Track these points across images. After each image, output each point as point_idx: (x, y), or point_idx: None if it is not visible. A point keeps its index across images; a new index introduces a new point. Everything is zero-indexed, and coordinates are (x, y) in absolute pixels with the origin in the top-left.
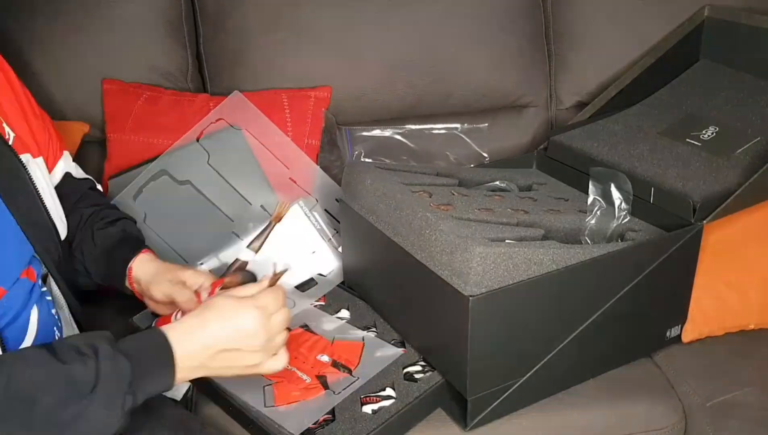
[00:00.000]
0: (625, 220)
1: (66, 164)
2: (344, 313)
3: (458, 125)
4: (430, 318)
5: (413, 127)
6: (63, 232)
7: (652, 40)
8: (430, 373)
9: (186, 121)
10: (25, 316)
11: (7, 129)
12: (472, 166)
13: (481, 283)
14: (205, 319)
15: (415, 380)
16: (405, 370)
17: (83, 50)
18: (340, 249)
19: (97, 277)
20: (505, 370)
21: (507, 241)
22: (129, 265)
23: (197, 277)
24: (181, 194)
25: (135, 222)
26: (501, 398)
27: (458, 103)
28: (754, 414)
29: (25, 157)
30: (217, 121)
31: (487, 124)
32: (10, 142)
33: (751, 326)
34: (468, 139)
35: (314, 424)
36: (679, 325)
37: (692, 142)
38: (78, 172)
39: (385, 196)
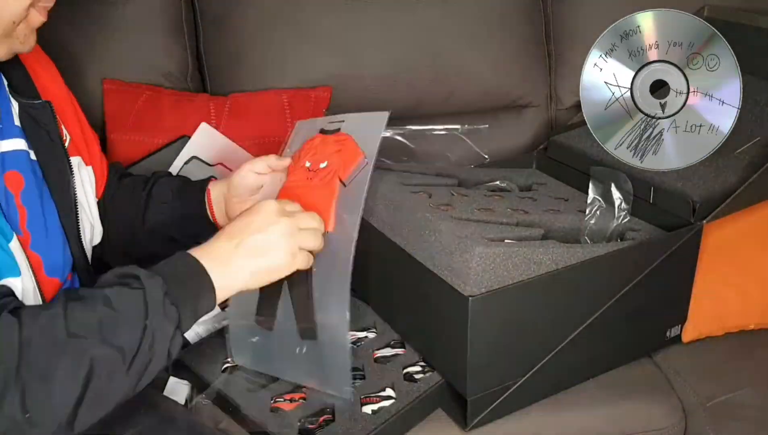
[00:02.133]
0: (625, 220)
1: None
2: None
3: (458, 126)
4: (429, 318)
5: (413, 127)
6: (92, 239)
7: None
8: (430, 373)
9: (186, 121)
10: None
11: (65, 131)
12: (472, 166)
13: (480, 283)
14: (227, 225)
15: (415, 380)
16: (405, 370)
17: (83, 50)
18: None
19: (174, 227)
20: (505, 370)
21: (506, 241)
22: (207, 190)
23: (276, 160)
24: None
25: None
26: (501, 398)
27: (458, 103)
28: (754, 414)
29: (75, 160)
30: (189, 159)
31: (487, 126)
32: (66, 144)
33: (751, 326)
34: (468, 140)
35: (314, 424)
36: (679, 325)
37: None
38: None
39: (384, 197)
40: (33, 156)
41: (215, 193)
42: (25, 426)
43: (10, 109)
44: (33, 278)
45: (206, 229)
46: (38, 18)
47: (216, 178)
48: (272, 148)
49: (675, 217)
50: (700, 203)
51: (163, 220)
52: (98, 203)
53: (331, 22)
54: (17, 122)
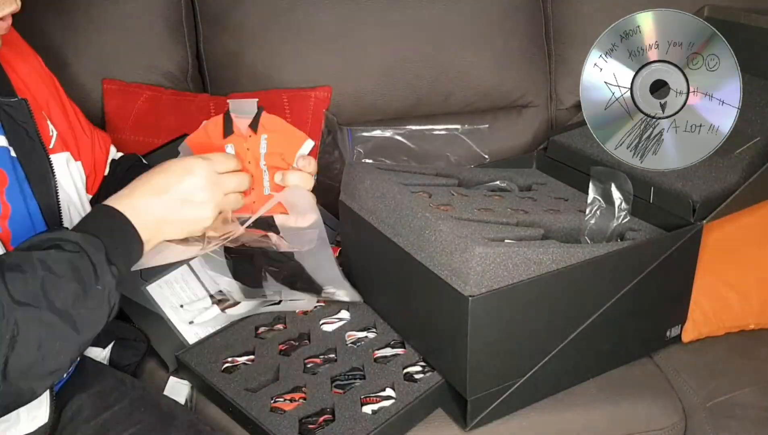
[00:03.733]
0: (625, 219)
1: (110, 156)
2: (344, 314)
3: (459, 126)
4: (430, 318)
5: (414, 127)
6: None
7: None
8: (430, 373)
9: (186, 121)
10: None
11: (51, 126)
12: (471, 166)
13: (480, 283)
14: (150, 175)
15: (415, 380)
16: (405, 370)
17: (83, 50)
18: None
19: None
20: (505, 371)
21: (507, 241)
22: None
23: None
24: None
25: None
26: (501, 398)
27: (458, 102)
28: (754, 414)
29: (64, 156)
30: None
31: (487, 126)
32: (53, 141)
33: (751, 326)
34: (468, 140)
35: (314, 424)
36: (679, 325)
37: None
38: (118, 154)
39: (384, 197)
40: (13, 153)
41: None
42: None
43: None
44: None
45: None
46: None
47: None
48: None
49: (675, 217)
50: (700, 203)
51: None
52: (92, 199)
53: (331, 22)
54: None
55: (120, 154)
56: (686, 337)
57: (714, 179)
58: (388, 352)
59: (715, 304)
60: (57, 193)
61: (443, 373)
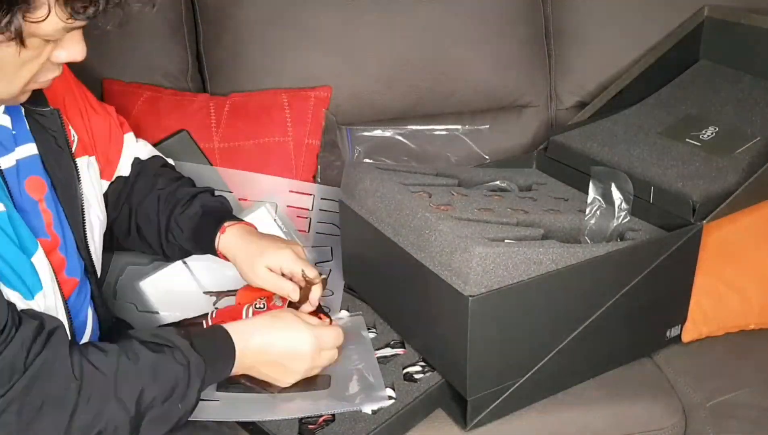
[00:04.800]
0: (625, 219)
1: (131, 151)
2: (344, 314)
3: (459, 126)
4: (430, 318)
5: (414, 127)
6: (98, 235)
7: (652, 40)
8: (430, 373)
9: (186, 121)
10: (84, 312)
11: (72, 132)
12: (471, 166)
13: (480, 283)
14: (270, 326)
15: (415, 380)
16: (405, 370)
17: None
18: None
19: (196, 253)
20: (505, 371)
21: (507, 241)
22: (216, 244)
23: (293, 265)
24: None
25: (212, 192)
26: (501, 398)
27: (459, 102)
28: (754, 414)
29: (85, 160)
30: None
31: (488, 126)
32: (74, 147)
33: (751, 326)
34: (468, 140)
35: (314, 424)
36: (679, 325)
37: (692, 142)
38: (146, 151)
39: (384, 197)
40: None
41: (229, 252)
42: None
43: (21, 114)
44: (54, 282)
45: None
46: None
47: (231, 223)
48: (272, 147)
49: (675, 217)
50: (700, 203)
51: (187, 240)
52: (108, 186)
53: (331, 22)
54: (27, 126)
55: (150, 153)
56: (686, 337)
57: (714, 179)
58: (388, 352)
59: (715, 304)
60: (82, 200)
61: (443, 373)
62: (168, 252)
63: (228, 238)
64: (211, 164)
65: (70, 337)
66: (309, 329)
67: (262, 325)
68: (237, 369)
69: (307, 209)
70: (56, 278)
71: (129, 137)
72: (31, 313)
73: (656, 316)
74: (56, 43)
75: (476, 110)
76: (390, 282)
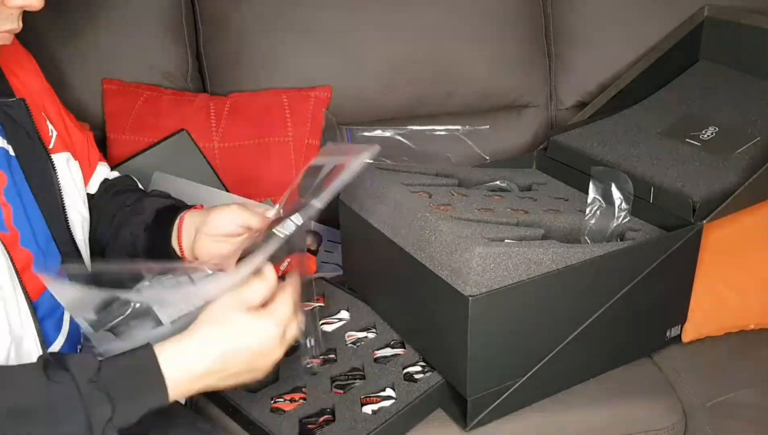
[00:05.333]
0: (625, 219)
1: (103, 172)
2: (344, 314)
3: (459, 127)
4: (430, 318)
5: (414, 127)
6: (79, 232)
7: (652, 40)
8: (430, 373)
9: (186, 121)
10: (60, 312)
11: (50, 126)
12: (471, 166)
13: (480, 283)
14: (222, 341)
15: (415, 380)
16: (405, 370)
17: (83, 50)
18: None
19: (139, 253)
20: (505, 370)
21: (507, 240)
22: (173, 244)
23: (259, 220)
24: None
25: (156, 194)
26: (501, 398)
27: (459, 103)
28: (754, 414)
29: (64, 156)
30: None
31: (488, 127)
32: (53, 141)
33: (751, 326)
34: (468, 141)
35: (314, 424)
36: (679, 325)
37: (692, 142)
38: (113, 174)
39: (384, 197)
40: (12, 152)
41: (188, 226)
42: None
43: None
44: (15, 280)
45: (170, 256)
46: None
47: (191, 208)
48: (272, 147)
49: (675, 217)
50: (700, 203)
51: (130, 247)
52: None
53: (331, 22)
54: None
55: (114, 174)
56: (686, 337)
57: (714, 179)
58: (388, 352)
59: (715, 304)
60: (61, 193)
61: (443, 373)
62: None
63: (194, 214)
64: (211, 164)
65: (37, 337)
66: (263, 319)
67: (196, 348)
68: (178, 397)
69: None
70: (18, 276)
71: (102, 164)
72: None
73: (656, 316)
74: None
75: (476, 110)
76: (390, 282)
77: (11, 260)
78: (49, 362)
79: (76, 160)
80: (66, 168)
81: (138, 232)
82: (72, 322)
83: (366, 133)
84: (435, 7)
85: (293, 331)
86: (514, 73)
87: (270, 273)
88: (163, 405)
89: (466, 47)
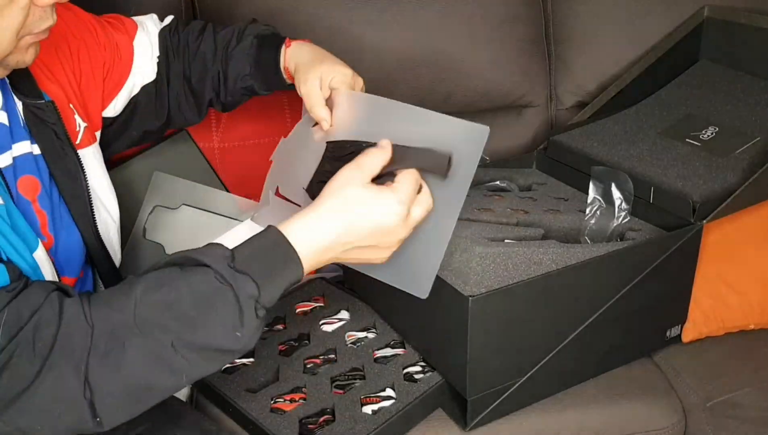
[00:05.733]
0: (625, 220)
1: (145, 58)
2: (344, 314)
3: None
4: (430, 318)
5: None
6: (112, 227)
7: (652, 40)
8: (430, 373)
9: None
10: None
11: (78, 120)
12: None
13: (480, 283)
14: (345, 212)
15: (415, 380)
16: (405, 371)
17: None
18: None
19: (262, 88)
20: (505, 370)
21: (506, 240)
22: (283, 62)
23: (345, 81)
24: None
25: (257, 22)
26: (501, 398)
27: (458, 103)
28: (754, 414)
29: (90, 150)
30: (152, 209)
31: (488, 127)
32: (80, 136)
33: (751, 326)
34: None
35: (314, 424)
36: (679, 325)
37: (692, 142)
38: (161, 23)
39: None
40: (38, 152)
41: (292, 59)
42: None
43: (16, 110)
44: (55, 278)
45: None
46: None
47: (289, 42)
48: (272, 147)
49: (675, 217)
50: (700, 203)
51: (247, 76)
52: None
53: (331, 22)
54: (23, 123)
55: (169, 20)
56: (686, 337)
57: (714, 179)
58: (388, 352)
59: (715, 304)
60: (88, 191)
61: (443, 373)
62: (228, 98)
63: (294, 49)
64: (210, 165)
65: None
66: (386, 197)
67: (325, 217)
68: (309, 269)
69: None
70: (58, 276)
71: (140, 31)
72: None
73: (656, 316)
74: None
75: (476, 110)
76: None
77: (54, 266)
78: (179, 261)
79: (93, 143)
80: (93, 162)
81: (240, 60)
82: None
83: None
84: (435, 7)
85: (419, 211)
86: (514, 73)
87: (387, 144)
88: (299, 278)
89: (466, 47)
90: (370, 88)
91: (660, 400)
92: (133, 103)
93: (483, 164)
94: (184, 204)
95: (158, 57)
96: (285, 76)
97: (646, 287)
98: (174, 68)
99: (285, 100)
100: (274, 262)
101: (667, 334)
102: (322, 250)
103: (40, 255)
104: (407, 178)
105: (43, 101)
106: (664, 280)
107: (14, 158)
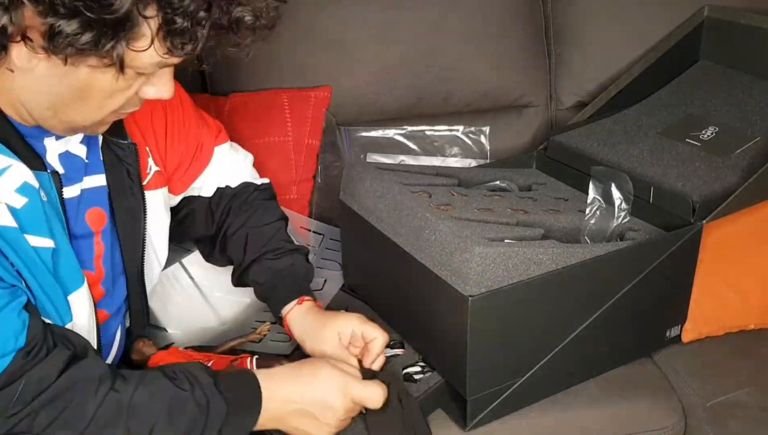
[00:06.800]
0: (625, 219)
1: (216, 173)
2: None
3: (459, 127)
4: (429, 318)
5: (414, 127)
6: (157, 269)
7: (652, 40)
8: (429, 373)
9: None
10: (112, 339)
11: (150, 163)
12: (471, 166)
13: (480, 283)
14: (299, 373)
15: (415, 380)
16: (405, 371)
17: None
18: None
19: (258, 296)
20: (505, 370)
21: (506, 241)
22: (285, 309)
23: (361, 329)
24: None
25: (306, 254)
26: (501, 398)
27: (458, 103)
28: (754, 414)
29: (159, 193)
30: None
31: (488, 127)
32: (149, 178)
33: (751, 326)
34: (468, 141)
35: None
36: (679, 325)
37: (692, 142)
38: (235, 178)
39: (384, 197)
40: (108, 190)
41: (296, 323)
42: None
43: (97, 145)
44: (92, 316)
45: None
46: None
47: (310, 298)
48: (272, 147)
49: (675, 217)
50: (700, 203)
51: (260, 286)
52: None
53: (331, 22)
54: (101, 157)
55: (247, 179)
56: (686, 337)
57: (714, 179)
58: (388, 352)
59: (715, 304)
60: (144, 233)
61: (443, 373)
62: (233, 282)
63: (300, 311)
64: None
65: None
66: (341, 376)
67: (291, 373)
68: (263, 420)
69: (313, 247)
70: (95, 315)
71: (215, 160)
72: (67, 336)
73: (656, 316)
74: (147, 77)
75: (476, 110)
76: (390, 282)
77: (92, 298)
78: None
79: (162, 187)
80: (157, 205)
81: (264, 276)
82: (120, 349)
83: (366, 134)
84: (435, 7)
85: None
86: (514, 73)
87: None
88: (253, 424)
89: (466, 47)
90: (371, 87)
91: (660, 400)
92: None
93: (483, 164)
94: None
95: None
96: (281, 322)
97: (646, 287)
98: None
99: (285, 100)
100: (243, 398)
101: (667, 334)
102: (275, 406)
103: (80, 294)
104: (376, 388)
105: (125, 142)
106: (664, 280)
107: (83, 190)
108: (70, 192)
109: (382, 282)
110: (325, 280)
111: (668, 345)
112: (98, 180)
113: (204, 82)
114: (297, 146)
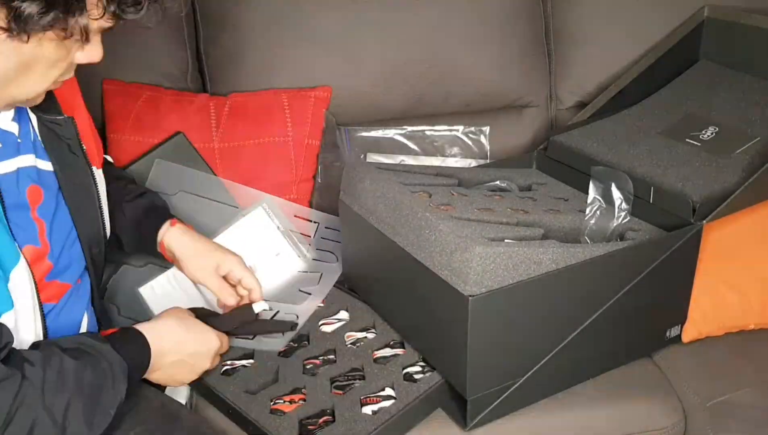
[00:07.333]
0: (625, 219)
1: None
2: (343, 314)
3: (459, 127)
4: (429, 318)
5: (414, 127)
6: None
7: (652, 40)
8: (429, 373)
9: (186, 121)
10: (79, 314)
11: (80, 143)
12: (471, 166)
13: (480, 283)
14: (179, 326)
15: (415, 380)
16: (405, 371)
17: None
18: (306, 251)
19: (129, 247)
20: (505, 370)
21: (506, 241)
22: (159, 235)
23: (242, 274)
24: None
25: (158, 195)
26: (501, 398)
27: (458, 103)
28: (754, 414)
29: (101, 172)
30: None
31: (488, 127)
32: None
33: (751, 326)
34: (468, 141)
35: (314, 425)
36: (679, 325)
37: (692, 142)
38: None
39: (384, 197)
40: (50, 168)
41: (175, 243)
42: None
43: (29, 125)
44: (34, 297)
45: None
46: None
47: (177, 220)
48: (272, 147)
49: (675, 217)
50: (700, 203)
51: (124, 229)
52: None
53: (331, 22)
54: (35, 137)
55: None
56: (686, 337)
57: (714, 179)
58: (387, 352)
59: (715, 304)
60: (101, 206)
61: (443, 373)
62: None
63: (176, 232)
64: (209, 165)
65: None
66: (214, 332)
67: (173, 326)
68: (151, 370)
69: (309, 236)
70: (36, 291)
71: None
72: None
73: (656, 316)
74: (81, 44)
75: (476, 110)
76: (390, 282)
77: (32, 276)
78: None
79: (99, 168)
80: (102, 181)
81: (128, 214)
82: (91, 323)
83: (365, 134)
84: (435, 7)
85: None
86: (514, 73)
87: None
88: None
89: (466, 47)
90: (370, 88)
91: (660, 400)
92: None
93: (483, 164)
94: (181, 190)
95: None
96: (159, 249)
97: (646, 287)
98: None
99: (285, 100)
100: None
101: (667, 334)
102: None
103: (18, 273)
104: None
105: (61, 117)
106: (664, 280)
107: (19, 168)
108: (4, 168)
109: (382, 282)
110: (321, 274)
111: (668, 345)
112: (29, 160)
113: (204, 82)
114: (297, 146)
